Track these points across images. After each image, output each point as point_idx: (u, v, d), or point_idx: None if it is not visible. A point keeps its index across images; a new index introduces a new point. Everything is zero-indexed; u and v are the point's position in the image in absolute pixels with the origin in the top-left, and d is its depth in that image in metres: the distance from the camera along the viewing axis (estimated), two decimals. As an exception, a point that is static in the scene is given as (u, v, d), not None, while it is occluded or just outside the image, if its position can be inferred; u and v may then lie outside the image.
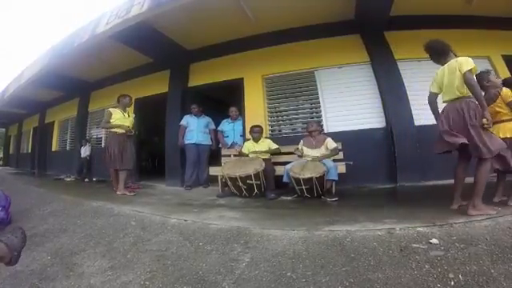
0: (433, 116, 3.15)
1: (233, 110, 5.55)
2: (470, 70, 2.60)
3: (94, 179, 7.23)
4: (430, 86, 3.13)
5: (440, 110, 2.93)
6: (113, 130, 4.81)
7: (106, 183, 6.65)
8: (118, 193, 4.64)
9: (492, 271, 1.54)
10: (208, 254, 2.08)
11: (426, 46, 3.16)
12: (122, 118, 4.85)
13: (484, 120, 2.47)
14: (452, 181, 3.27)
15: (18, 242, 1.60)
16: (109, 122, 4.79)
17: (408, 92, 4.84)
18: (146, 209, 3.44)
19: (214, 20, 5.01)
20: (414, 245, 1.89)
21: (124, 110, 4.97)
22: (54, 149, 10.25)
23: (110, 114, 4.80)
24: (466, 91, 2.61)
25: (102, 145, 8.05)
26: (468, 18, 5.22)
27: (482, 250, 1.76)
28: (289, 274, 1.71)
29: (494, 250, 1.74)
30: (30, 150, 12.52)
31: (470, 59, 2.69)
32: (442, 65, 2.95)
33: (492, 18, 5.27)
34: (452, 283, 1.48)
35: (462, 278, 1.51)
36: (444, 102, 2.88)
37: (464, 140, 2.51)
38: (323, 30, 5.31)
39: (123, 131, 4.82)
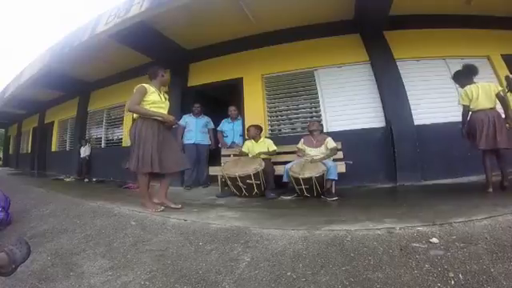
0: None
1: (232, 110, 5.56)
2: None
3: (94, 179, 7.24)
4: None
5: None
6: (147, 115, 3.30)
7: (106, 183, 6.66)
8: (152, 210, 3.19)
9: (492, 270, 1.54)
10: (208, 253, 2.08)
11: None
12: (159, 102, 3.39)
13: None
14: (451, 180, 3.32)
15: (19, 257, 1.60)
16: (139, 102, 3.24)
17: (407, 91, 4.85)
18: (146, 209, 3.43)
19: (213, 20, 5.01)
20: (414, 244, 1.89)
21: (159, 91, 3.54)
22: (53, 149, 10.26)
23: (145, 90, 3.27)
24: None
25: (102, 145, 8.06)
26: (467, 17, 5.24)
27: (482, 249, 1.75)
28: (289, 273, 1.71)
29: (494, 249, 1.74)
30: (29, 151, 12.53)
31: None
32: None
33: (491, 18, 5.30)
34: (452, 282, 1.48)
35: (462, 277, 1.51)
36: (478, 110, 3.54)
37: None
38: (322, 30, 5.33)
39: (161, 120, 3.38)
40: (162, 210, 3.20)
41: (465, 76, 3.75)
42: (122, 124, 7.42)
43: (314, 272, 1.70)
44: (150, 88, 3.34)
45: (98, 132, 8.44)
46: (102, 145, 8.11)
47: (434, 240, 1.91)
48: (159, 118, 3.30)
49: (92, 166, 7.83)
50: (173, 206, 3.39)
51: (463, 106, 3.65)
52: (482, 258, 1.66)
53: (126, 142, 7.09)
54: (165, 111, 3.45)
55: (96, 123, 8.53)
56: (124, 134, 7.21)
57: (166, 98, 3.57)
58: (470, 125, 3.61)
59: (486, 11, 5.20)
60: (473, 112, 3.60)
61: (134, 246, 2.34)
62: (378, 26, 5.10)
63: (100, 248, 2.38)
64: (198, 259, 2.01)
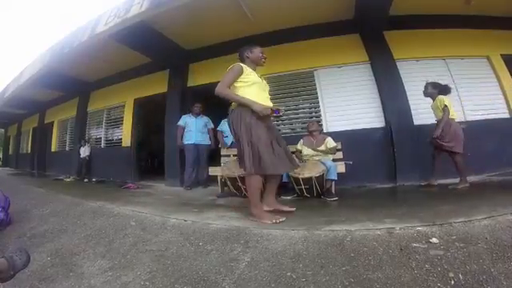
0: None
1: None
2: None
3: (94, 179, 7.24)
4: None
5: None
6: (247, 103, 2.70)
7: (106, 183, 6.67)
8: (270, 222, 2.56)
9: (492, 270, 1.54)
10: (208, 253, 2.08)
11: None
12: (260, 83, 2.89)
13: None
14: (451, 180, 3.32)
15: (19, 265, 1.63)
16: (231, 84, 2.77)
17: (407, 91, 4.85)
18: (146, 209, 3.43)
19: (213, 20, 5.01)
20: (414, 244, 1.89)
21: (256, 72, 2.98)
22: (53, 149, 10.25)
23: (241, 69, 2.77)
24: None
25: (102, 145, 8.06)
26: (467, 17, 5.25)
27: (482, 249, 1.76)
28: (289, 273, 1.71)
29: (494, 249, 1.74)
30: (29, 151, 12.52)
31: None
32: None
33: (491, 18, 5.31)
34: (452, 282, 1.48)
35: (462, 277, 1.51)
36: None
37: None
38: (322, 30, 5.32)
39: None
40: (283, 221, 2.58)
41: (439, 91, 4.15)
42: (121, 124, 7.42)
43: (314, 272, 1.70)
44: (247, 68, 2.84)
45: (97, 132, 8.43)
46: (102, 145, 8.11)
47: (434, 240, 1.91)
48: (256, 108, 2.66)
49: (92, 166, 7.84)
50: (286, 209, 2.99)
51: (448, 111, 3.93)
52: (482, 258, 1.66)
53: (126, 143, 7.10)
54: (267, 95, 2.97)
55: (96, 123, 8.53)
56: (124, 133, 7.22)
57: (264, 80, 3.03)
58: (454, 131, 3.93)
59: (485, 11, 5.21)
60: (452, 119, 3.97)
61: (134, 247, 2.35)
62: (377, 26, 5.10)
63: (100, 248, 2.39)
64: (197, 259, 2.01)
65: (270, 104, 2.93)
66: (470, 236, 1.93)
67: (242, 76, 2.76)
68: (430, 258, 1.71)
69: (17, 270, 1.62)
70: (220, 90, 2.72)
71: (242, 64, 2.84)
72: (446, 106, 3.92)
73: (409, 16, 5.14)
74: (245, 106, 2.71)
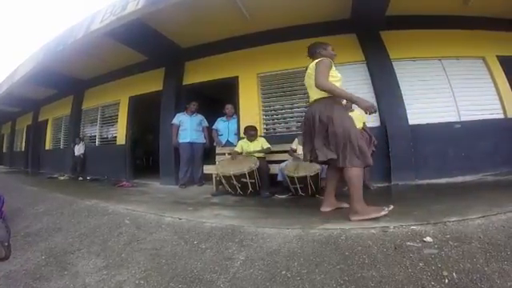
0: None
1: (228, 107, 5.56)
2: None
3: (88, 178, 7.19)
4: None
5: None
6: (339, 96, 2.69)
7: (100, 182, 6.63)
8: (377, 214, 2.44)
9: (486, 269, 1.56)
10: (203, 252, 2.08)
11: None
12: (342, 80, 2.82)
13: None
14: (445, 180, 3.32)
15: (2, 234, 1.60)
16: (327, 77, 2.65)
17: (403, 91, 4.86)
18: (141, 207, 3.43)
19: (210, 18, 4.99)
20: (408, 243, 1.90)
21: None
22: (47, 147, 10.16)
23: (331, 64, 2.73)
24: None
25: (96, 143, 8.00)
26: (464, 18, 5.27)
27: (476, 248, 1.77)
28: (284, 272, 1.72)
29: (488, 248, 1.76)
30: (23, 149, 12.39)
31: None
32: None
33: (487, 19, 5.33)
34: (446, 281, 1.49)
35: (456, 275, 1.53)
36: None
37: None
38: (319, 29, 5.30)
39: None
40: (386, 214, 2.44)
41: None
42: (116, 122, 7.36)
43: (309, 271, 1.71)
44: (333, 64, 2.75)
45: (92, 130, 8.36)
46: (97, 143, 8.04)
47: (428, 239, 1.92)
48: (366, 105, 2.54)
49: (86, 165, 7.78)
50: (346, 205, 2.88)
51: None
52: (476, 257, 1.67)
53: (120, 141, 7.06)
54: None
55: (90, 121, 8.46)
56: (118, 131, 7.18)
57: None
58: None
59: (482, 12, 5.23)
60: None
61: (129, 245, 2.34)
62: (374, 25, 5.12)
63: (94, 247, 2.37)
64: (192, 258, 2.01)
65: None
66: (464, 235, 1.95)
67: (331, 71, 2.70)
68: (424, 257, 1.72)
69: (5, 238, 1.60)
70: (324, 83, 2.60)
71: (329, 59, 2.75)
72: None
73: (405, 16, 5.14)
74: (335, 98, 2.67)
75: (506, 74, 5.17)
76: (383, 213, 2.43)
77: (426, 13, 5.14)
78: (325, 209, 2.90)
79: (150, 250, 2.22)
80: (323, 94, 2.68)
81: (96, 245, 2.41)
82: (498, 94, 5.11)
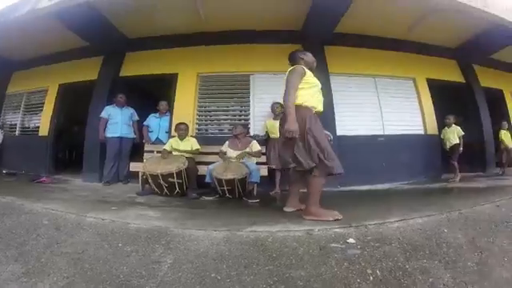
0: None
1: (163, 104, 5.38)
2: None
3: (4, 171, 6.31)
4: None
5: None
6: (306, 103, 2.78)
7: (17, 176, 5.90)
8: (332, 218, 2.56)
9: (407, 267, 1.70)
10: (128, 255, 1.95)
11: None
12: (318, 86, 2.95)
13: None
14: (367, 187, 3.59)
15: None
16: (297, 87, 2.74)
17: (334, 103, 5.15)
18: (60, 206, 3.10)
19: (164, 12, 4.81)
20: (333, 244, 2.01)
21: None
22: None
23: (303, 71, 2.79)
24: None
25: (17, 132, 7.07)
26: (402, 42, 5.83)
27: (396, 248, 1.94)
28: (213, 274, 1.69)
29: (407, 248, 1.93)
30: None
31: None
32: None
33: (423, 44, 5.98)
34: (371, 278, 1.60)
35: (380, 273, 1.65)
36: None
37: None
38: (267, 36, 5.42)
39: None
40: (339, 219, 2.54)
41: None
42: (41, 111, 6.58)
43: (239, 272, 1.70)
44: (307, 70, 2.83)
45: (14, 118, 7.33)
46: (17, 133, 7.09)
47: (351, 240, 2.06)
48: (287, 125, 2.63)
49: (3, 156, 6.84)
50: (303, 207, 2.90)
51: None
52: (397, 256, 1.83)
53: (43, 131, 6.37)
54: (321, 97, 3.03)
55: (13, 108, 7.40)
56: (42, 121, 6.44)
57: None
58: None
59: (421, 39, 5.86)
60: None
61: (49, 249, 2.09)
62: (321, 39, 5.37)
63: (11, 251, 2.06)
64: (117, 262, 1.87)
65: (321, 107, 3.00)
66: (384, 237, 2.13)
67: (305, 78, 2.76)
68: (348, 257, 1.83)
69: None
70: (286, 100, 2.73)
71: (302, 66, 2.82)
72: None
73: (351, 35, 5.53)
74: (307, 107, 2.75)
75: (432, 96, 5.85)
76: (336, 217, 2.55)
77: (372, 34, 5.60)
78: (288, 209, 2.99)
79: (72, 253, 2.01)
80: (298, 102, 2.74)
81: (13, 248, 2.10)
82: (422, 112, 5.78)
